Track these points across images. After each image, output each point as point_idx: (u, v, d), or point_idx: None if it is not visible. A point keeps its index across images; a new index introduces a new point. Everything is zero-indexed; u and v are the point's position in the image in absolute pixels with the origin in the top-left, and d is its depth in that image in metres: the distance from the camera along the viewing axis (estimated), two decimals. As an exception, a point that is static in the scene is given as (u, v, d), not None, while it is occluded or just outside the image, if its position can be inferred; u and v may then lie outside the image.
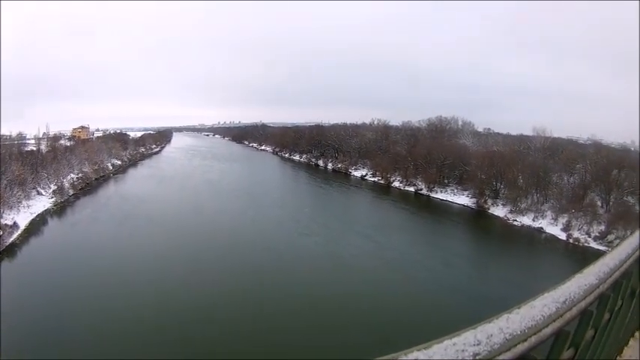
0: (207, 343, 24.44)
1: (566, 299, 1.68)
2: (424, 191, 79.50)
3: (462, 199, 73.77)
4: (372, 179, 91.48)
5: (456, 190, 77.02)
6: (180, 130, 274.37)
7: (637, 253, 2.70)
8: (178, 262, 36.67)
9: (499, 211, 67.19)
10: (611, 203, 60.62)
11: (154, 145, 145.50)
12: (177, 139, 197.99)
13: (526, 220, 62.43)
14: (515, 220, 63.10)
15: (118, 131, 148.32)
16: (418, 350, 0.99)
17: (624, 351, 3.38)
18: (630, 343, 3.52)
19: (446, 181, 79.86)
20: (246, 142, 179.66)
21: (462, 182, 77.19)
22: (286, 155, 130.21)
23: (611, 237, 52.16)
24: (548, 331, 1.43)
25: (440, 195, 77.18)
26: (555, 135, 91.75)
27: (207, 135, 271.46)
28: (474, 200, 71.17)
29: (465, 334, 1.18)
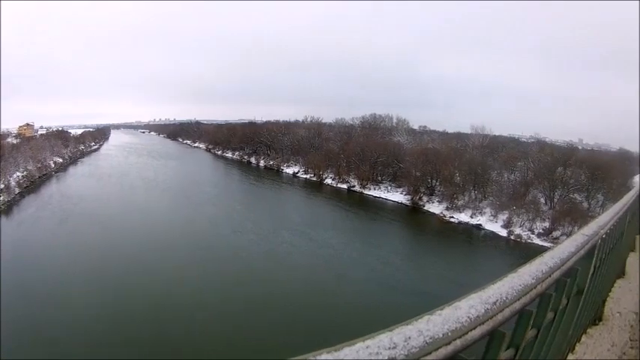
0: (131, 341, 24.02)
1: (497, 300, 1.56)
2: (357, 188, 76.87)
3: (397, 196, 71.61)
4: (304, 176, 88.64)
5: (389, 187, 74.72)
6: (117, 127, 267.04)
7: (582, 251, 2.70)
8: (115, 261, 35.79)
9: (435, 208, 65.48)
10: (555, 200, 60.10)
11: (93, 143, 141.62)
12: (115, 137, 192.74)
13: (463, 216, 60.93)
14: (452, 217, 61.54)
15: (60, 129, 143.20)
16: (328, 352, 0.93)
17: (576, 348, 3.43)
18: (583, 339, 3.63)
19: (379, 178, 77.54)
20: (181, 139, 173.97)
21: (396, 179, 75.10)
22: (219, 152, 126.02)
23: (556, 233, 51.87)
24: (475, 333, 1.36)
25: (373, 192, 74.72)
26: (496, 133, 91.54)
27: (144, 132, 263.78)
28: (409, 197, 69.21)
29: (380, 336, 1.10)
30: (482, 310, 1.41)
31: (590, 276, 3.18)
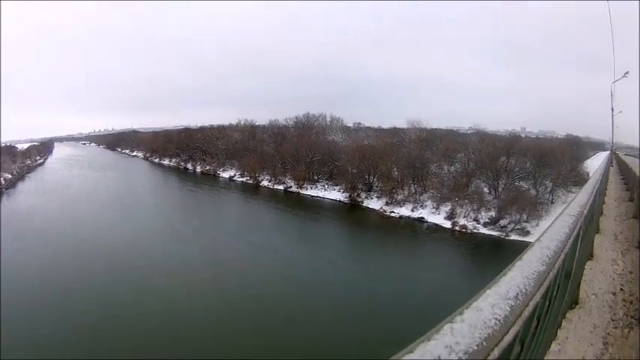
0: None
1: (518, 293, 1.48)
2: (294, 189, 74.19)
3: (334, 194, 69.29)
4: (241, 179, 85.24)
5: (327, 186, 72.28)
6: (60, 140, 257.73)
7: (574, 232, 2.73)
8: (59, 276, 33.24)
9: (374, 203, 63.66)
10: (500, 189, 59.06)
11: (39, 157, 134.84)
12: (58, 150, 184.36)
13: (404, 211, 59.32)
14: (393, 212, 59.80)
15: (8, 144, 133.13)
16: None
17: (558, 333, 3.44)
18: (563, 324, 3.64)
19: (316, 177, 75.02)
20: (120, 149, 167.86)
21: (332, 178, 72.74)
22: (157, 160, 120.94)
23: (504, 222, 51.23)
24: (510, 337, 1.23)
25: (310, 191, 72.19)
26: (434, 126, 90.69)
27: (85, 144, 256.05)
28: (347, 195, 67.08)
29: None
30: (508, 308, 1.31)
31: (576, 258, 3.25)
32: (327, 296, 30.50)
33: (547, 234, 2.29)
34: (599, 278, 5.27)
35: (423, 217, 56.72)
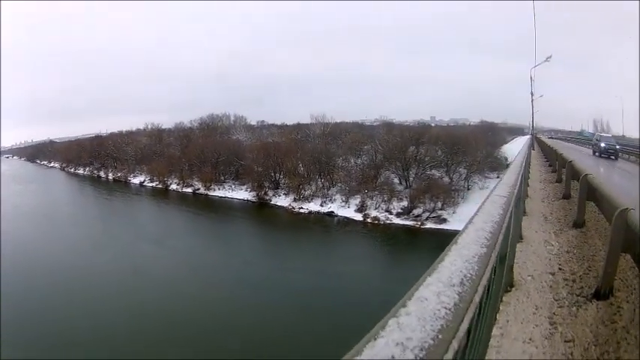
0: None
1: (462, 279, 1.39)
2: (202, 190, 73.34)
3: (242, 193, 69.11)
4: (151, 184, 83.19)
5: (234, 186, 71.94)
6: None
7: (508, 213, 2.67)
8: None
9: (282, 201, 63.87)
10: (411, 179, 59.27)
11: None
12: None
13: (313, 206, 59.72)
14: (302, 208, 60.13)
15: None
16: None
17: (497, 317, 3.31)
18: (501, 307, 3.53)
19: (222, 178, 74.43)
20: (38, 161, 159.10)
21: (238, 177, 72.50)
22: (72, 170, 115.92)
23: (417, 211, 51.38)
24: (464, 326, 1.12)
25: (218, 192, 71.54)
26: (338, 120, 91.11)
27: (8, 157, 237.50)
28: (254, 193, 66.99)
29: None
30: (456, 296, 1.21)
31: (509, 240, 3.17)
32: (249, 297, 30.38)
33: (479, 216, 2.25)
34: (532, 260, 5.21)
35: (332, 212, 57.05)
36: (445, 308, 0.91)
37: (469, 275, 1.28)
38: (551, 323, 3.43)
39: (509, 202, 2.88)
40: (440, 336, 0.61)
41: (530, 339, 3.18)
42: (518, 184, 4.30)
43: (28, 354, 22.98)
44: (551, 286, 4.32)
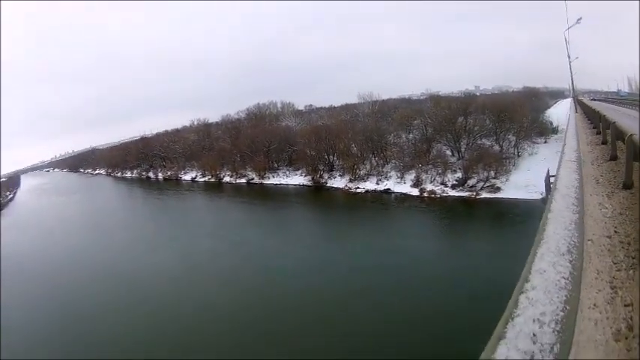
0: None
1: (568, 246, 1.92)
2: (256, 180, 72.98)
3: (297, 179, 68.39)
4: (203, 179, 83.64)
5: (288, 172, 71.26)
6: (25, 171, 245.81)
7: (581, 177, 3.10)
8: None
9: (338, 182, 62.77)
10: (463, 150, 57.78)
11: (8, 192, 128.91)
12: (25, 181, 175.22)
13: (369, 185, 58.44)
14: (358, 188, 58.83)
15: None
16: None
17: None
18: None
19: (276, 165, 73.89)
20: (82, 170, 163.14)
21: (292, 163, 71.81)
22: (119, 174, 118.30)
23: (472, 181, 50.26)
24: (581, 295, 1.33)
25: (273, 180, 71.04)
26: (385, 97, 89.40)
27: (48, 170, 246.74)
28: (309, 177, 66.16)
29: None
30: (569, 264, 1.40)
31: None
32: (319, 282, 29.18)
33: (561, 181, 2.33)
34: (589, 224, 5.13)
35: (389, 189, 55.85)
36: (563, 278, 1.06)
37: (572, 242, 1.36)
38: (612, 287, 3.41)
39: (580, 166, 2.91)
40: (567, 307, 0.89)
41: (594, 304, 3.11)
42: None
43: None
44: (609, 250, 4.28)
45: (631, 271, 3.73)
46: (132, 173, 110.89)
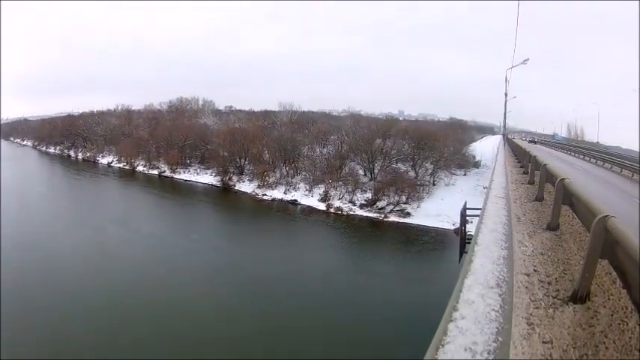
0: None
1: (497, 281, 1.65)
2: (167, 173, 73.27)
3: (206, 177, 69.07)
4: (118, 165, 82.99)
5: (199, 170, 72.01)
6: None
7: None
8: None
9: (246, 187, 63.57)
10: (377, 171, 58.63)
11: None
12: None
13: (277, 193, 59.49)
14: (265, 195, 59.78)
15: None
16: None
17: None
18: None
19: (188, 161, 74.42)
20: (12, 139, 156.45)
21: (204, 161, 72.54)
22: (43, 148, 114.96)
23: (381, 203, 50.95)
24: (512, 330, 1.11)
25: (183, 176, 71.46)
26: (305, 109, 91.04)
27: None
28: (219, 178, 66.90)
29: None
30: (498, 298, 1.34)
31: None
32: (212, 282, 30.19)
33: (488, 216, 2.16)
34: None
35: (296, 200, 56.84)
36: (494, 310, 1.10)
37: (502, 277, 1.38)
38: (528, 324, 3.43)
39: (509, 203, 2.65)
40: (499, 338, 0.91)
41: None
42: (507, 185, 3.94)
43: None
44: (526, 287, 4.29)
45: (551, 310, 3.77)
46: (55, 149, 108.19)
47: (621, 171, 25.32)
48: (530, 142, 69.76)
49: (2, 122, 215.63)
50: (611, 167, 27.55)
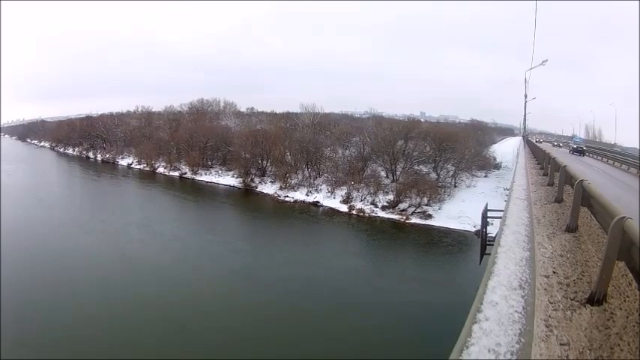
0: None
1: (520, 282, 1.89)
2: (188, 175, 72.23)
3: (228, 179, 67.93)
4: (138, 167, 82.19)
5: (220, 172, 70.89)
6: None
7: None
8: None
9: (268, 188, 62.49)
10: (398, 173, 57.69)
11: None
12: None
13: (299, 195, 58.38)
14: (287, 197, 58.66)
15: None
16: None
17: None
18: None
19: (209, 163, 73.43)
20: (29, 140, 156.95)
21: (226, 163, 71.46)
22: (62, 150, 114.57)
23: (403, 205, 50.08)
24: (534, 329, 1.34)
25: (205, 177, 70.47)
26: (327, 111, 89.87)
27: None
28: (240, 180, 65.74)
29: None
30: (521, 299, 1.48)
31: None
32: (234, 284, 29.60)
33: (510, 217, 2.34)
34: None
35: (318, 202, 55.86)
36: (517, 312, 1.15)
37: (524, 278, 1.42)
38: (547, 325, 3.39)
39: (530, 205, 2.96)
40: (522, 339, 0.95)
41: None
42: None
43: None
44: (545, 289, 4.27)
45: (569, 312, 3.78)
46: (73, 150, 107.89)
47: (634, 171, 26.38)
48: (554, 145, 68.71)
49: (18, 124, 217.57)
50: (628, 169, 28.17)
